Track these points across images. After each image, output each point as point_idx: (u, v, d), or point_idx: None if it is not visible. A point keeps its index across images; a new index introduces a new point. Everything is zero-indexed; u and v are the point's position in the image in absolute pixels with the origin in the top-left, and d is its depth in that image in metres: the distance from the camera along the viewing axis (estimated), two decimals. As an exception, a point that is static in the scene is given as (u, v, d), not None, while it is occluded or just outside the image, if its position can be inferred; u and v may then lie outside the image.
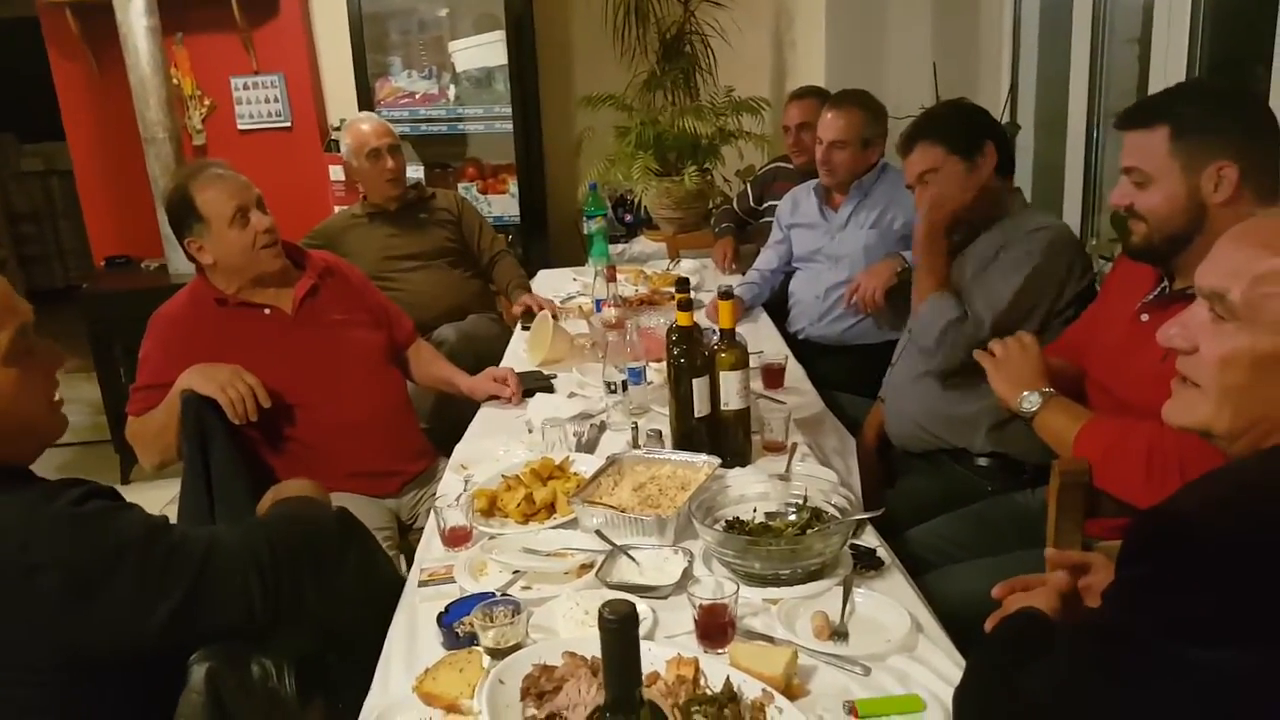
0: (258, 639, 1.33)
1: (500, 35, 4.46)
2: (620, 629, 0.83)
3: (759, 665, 1.29)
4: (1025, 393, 1.78)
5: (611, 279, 2.88)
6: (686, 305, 1.91)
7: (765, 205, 3.84)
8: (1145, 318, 1.75)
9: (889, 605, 1.46)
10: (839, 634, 1.40)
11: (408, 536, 2.37)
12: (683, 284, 1.99)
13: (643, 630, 1.40)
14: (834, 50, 3.95)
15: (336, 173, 4.43)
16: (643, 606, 1.45)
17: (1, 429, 1.23)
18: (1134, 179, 1.67)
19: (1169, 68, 2.68)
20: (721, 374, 1.93)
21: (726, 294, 1.95)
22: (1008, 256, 2.18)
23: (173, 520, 2.10)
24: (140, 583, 1.21)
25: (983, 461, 2.28)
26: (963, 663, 1.34)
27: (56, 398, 1.33)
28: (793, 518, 1.64)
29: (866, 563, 1.58)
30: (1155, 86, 2.73)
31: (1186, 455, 1.49)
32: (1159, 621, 0.96)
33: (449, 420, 2.69)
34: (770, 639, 1.39)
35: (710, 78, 4.25)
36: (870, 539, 1.67)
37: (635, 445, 2.03)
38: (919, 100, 3.68)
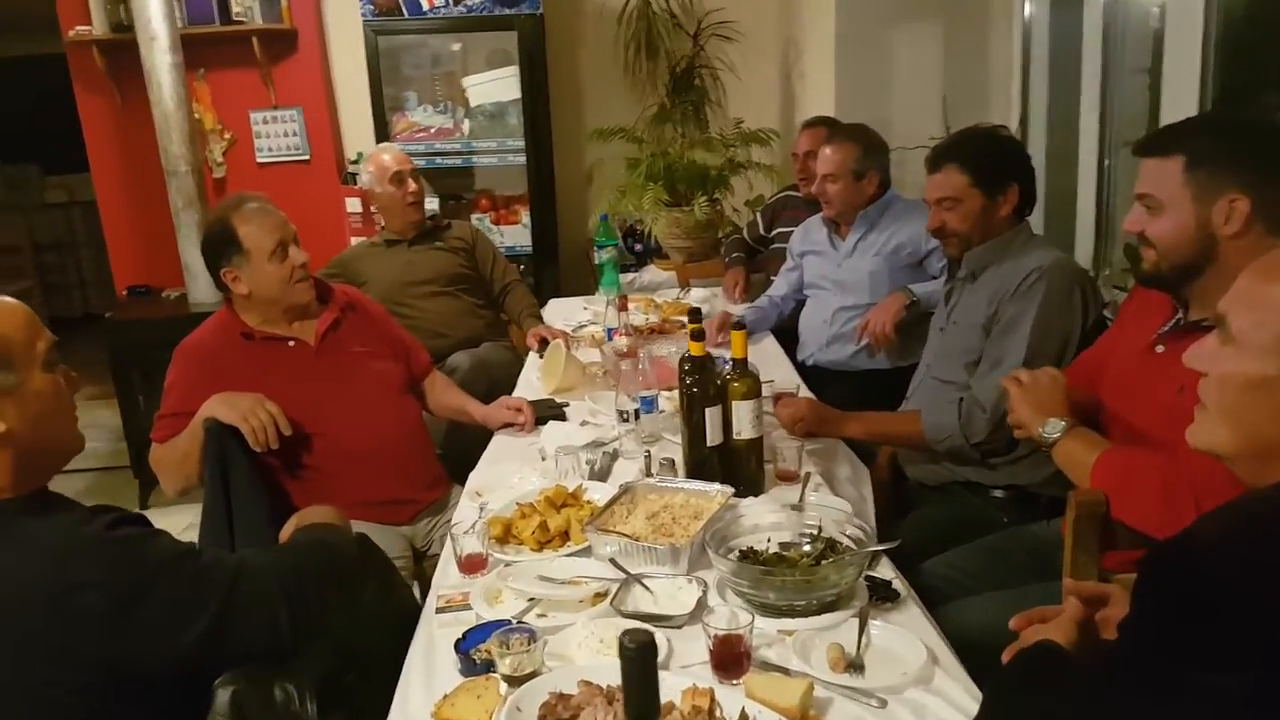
0: (283, 661, 1.35)
1: (514, 70, 4.53)
2: (639, 657, 0.84)
3: (775, 696, 1.29)
4: (1048, 420, 1.78)
5: (623, 308, 2.91)
6: (699, 335, 1.93)
7: (775, 232, 3.87)
8: (1160, 349, 1.74)
9: (905, 637, 1.46)
10: (855, 666, 1.40)
11: (422, 564, 2.38)
12: (695, 314, 2.01)
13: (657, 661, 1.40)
14: (843, 81, 3.99)
15: (353, 204, 4.49)
16: (657, 636, 1.46)
17: (40, 435, 1.27)
18: (1146, 205, 1.67)
19: (1180, 97, 2.69)
20: (734, 403, 1.94)
21: (739, 324, 1.97)
22: (1008, 315, 2.19)
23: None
24: (173, 603, 1.24)
25: (998, 493, 2.27)
26: (979, 696, 1.34)
27: (76, 414, 1.37)
28: (807, 548, 1.64)
29: (882, 594, 1.58)
30: (1166, 116, 2.74)
31: (1202, 487, 1.48)
32: (1174, 652, 0.96)
33: (461, 447, 2.72)
34: (786, 670, 1.39)
35: (720, 110, 4.31)
36: (886, 570, 1.67)
37: (648, 474, 2.04)
38: (928, 131, 3.72)
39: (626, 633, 0.83)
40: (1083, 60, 3.36)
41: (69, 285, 7.08)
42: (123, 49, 4.26)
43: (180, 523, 3.11)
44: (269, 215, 2.33)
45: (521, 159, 4.60)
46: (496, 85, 4.58)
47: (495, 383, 3.05)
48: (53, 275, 7.04)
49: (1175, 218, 1.61)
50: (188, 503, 2.30)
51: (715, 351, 2.36)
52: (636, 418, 2.22)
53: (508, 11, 4.41)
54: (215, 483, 2.13)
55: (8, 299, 1.30)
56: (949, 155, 2.30)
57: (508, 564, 1.71)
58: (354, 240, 4.14)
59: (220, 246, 2.30)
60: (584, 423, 2.44)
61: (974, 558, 2.10)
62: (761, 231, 3.95)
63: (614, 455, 2.22)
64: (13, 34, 5.96)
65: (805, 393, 2.61)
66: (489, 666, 1.39)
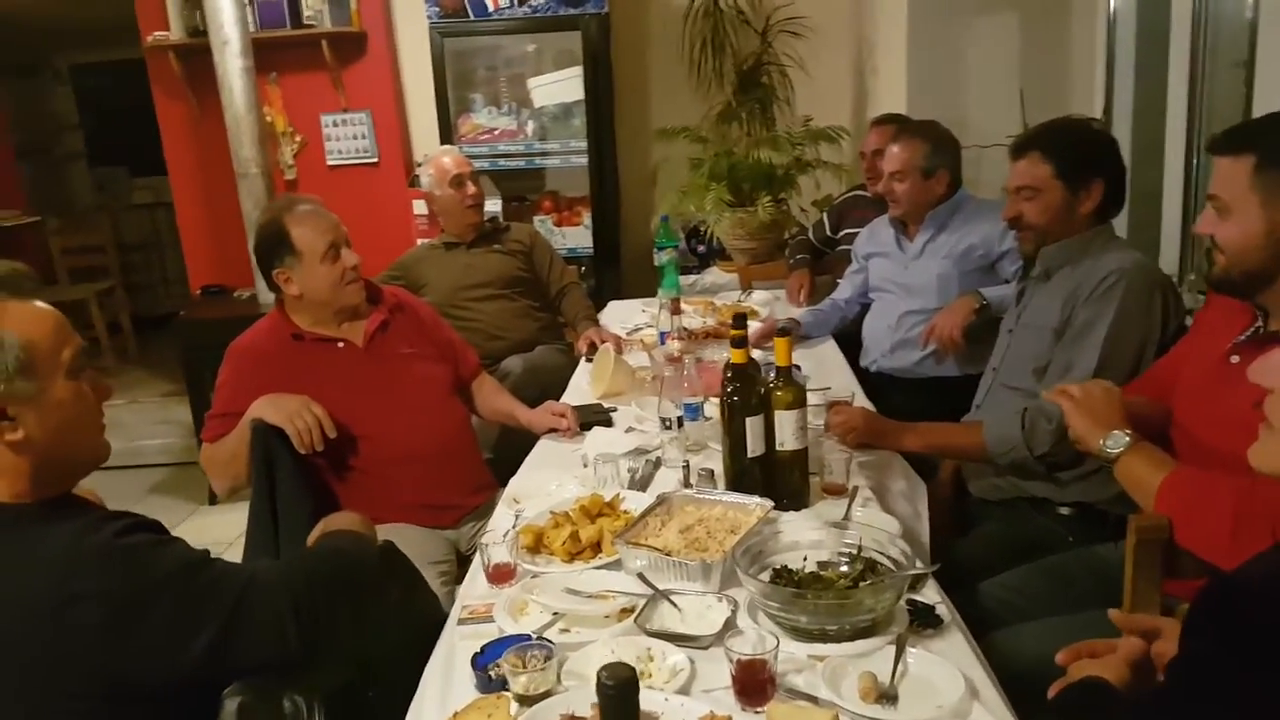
0: (292, 673, 1.32)
1: (578, 71, 4.50)
2: (619, 695, 0.78)
3: (795, 727, 1.22)
4: (1111, 433, 1.66)
5: (676, 311, 2.84)
6: (741, 342, 1.86)
7: (842, 234, 3.77)
8: (1236, 359, 1.63)
9: (944, 667, 1.37)
10: (887, 697, 1.31)
11: (467, 567, 2.36)
12: (739, 320, 1.94)
13: (679, 683, 1.34)
14: (916, 77, 3.87)
15: (420, 207, 4.51)
16: (680, 656, 1.40)
17: (62, 441, 1.27)
18: (1215, 207, 1.57)
19: (1275, 93, 2.52)
20: (777, 413, 1.86)
21: (784, 331, 1.89)
22: (1081, 320, 2.08)
23: (242, 545, 2.20)
24: (178, 615, 1.22)
25: (1065, 510, 2.16)
26: (1021, 733, 1.26)
27: (103, 423, 1.36)
28: (845, 569, 1.56)
29: (924, 620, 1.49)
30: (1261, 112, 2.57)
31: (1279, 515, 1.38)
32: (1222, 698, 0.87)
33: (513, 451, 2.68)
34: (813, 699, 1.32)
35: (787, 107, 4.21)
36: (931, 594, 1.57)
37: (686, 484, 1.97)
38: (1005, 129, 3.56)
39: (605, 668, 0.78)
40: (1170, 53, 3.18)
41: (153, 284, 7.33)
42: (198, 54, 4.36)
43: (243, 522, 3.16)
44: (321, 217, 2.34)
45: (585, 160, 4.57)
46: (561, 86, 4.56)
47: (547, 387, 3.02)
48: (137, 274, 7.29)
49: (1242, 222, 1.50)
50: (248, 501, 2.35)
51: (763, 358, 2.29)
52: (680, 425, 2.16)
53: (572, 12, 4.39)
54: (261, 483, 2.14)
55: (40, 305, 1.30)
56: (1034, 143, 2.20)
57: (535, 575, 1.67)
58: (420, 242, 4.16)
59: (273, 247, 2.32)
60: (629, 429, 2.39)
61: (1034, 579, 1.99)
62: (828, 232, 3.85)
63: (656, 464, 2.16)
64: (105, 40, 6.18)
65: (861, 401, 2.52)
66: (504, 684, 1.35)
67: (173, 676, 1.22)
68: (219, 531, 3.91)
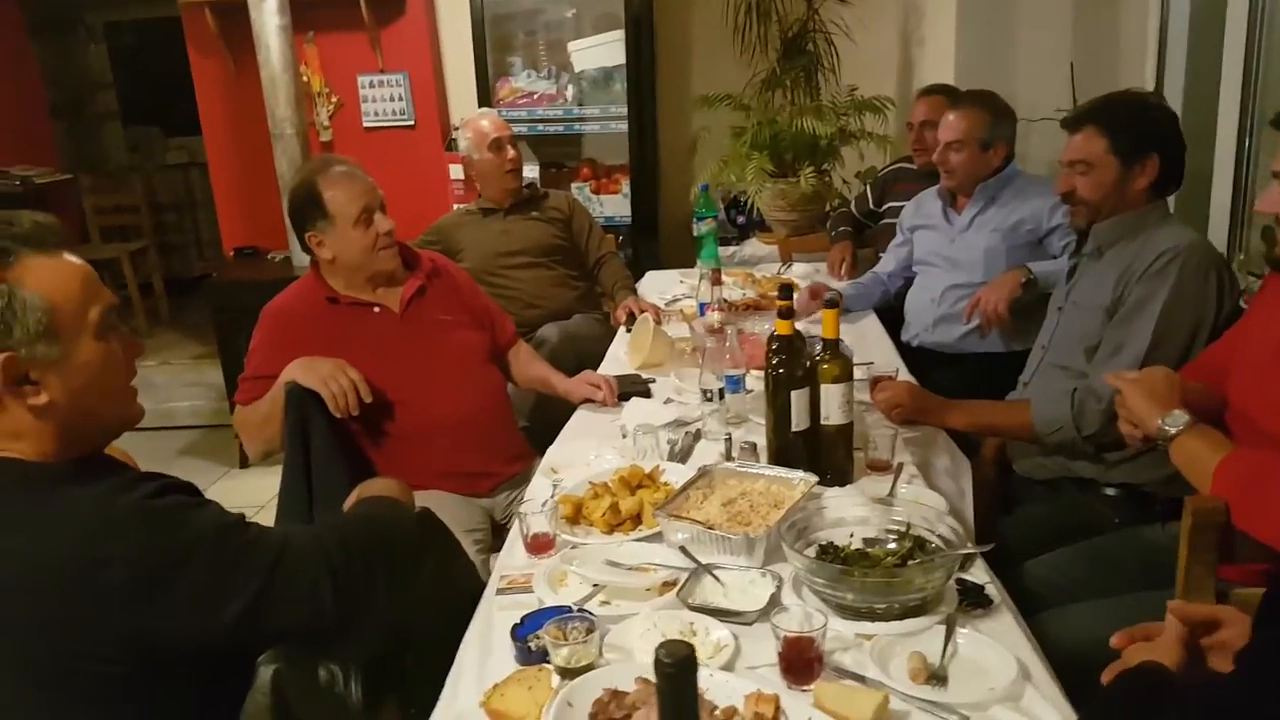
0: (328, 640, 1.31)
1: (619, 35, 4.43)
2: (678, 674, 0.75)
3: (845, 709, 1.19)
4: (1169, 412, 1.61)
5: (717, 282, 2.80)
6: (788, 313, 1.82)
7: (885, 207, 3.70)
8: (1296, 343, 1.59)
9: (995, 648, 1.33)
10: (937, 678, 1.28)
11: (502, 536, 2.34)
12: (785, 291, 1.90)
13: (723, 659, 1.32)
14: (964, 48, 3.78)
15: (456, 171, 4.46)
16: (724, 632, 1.38)
17: (88, 403, 1.23)
18: None
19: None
20: (823, 386, 1.83)
21: (830, 302, 1.85)
22: (1134, 298, 2.03)
23: (274, 510, 2.19)
24: (210, 580, 1.20)
25: (1110, 491, 2.12)
26: (1073, 718, 1.22)
27: (133, 383, 1.33)
28: (892, 546, 1.53)
29: (973, 600, 1.46)
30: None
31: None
32: None
33: (549, 420, 2.66)
34: (861, 678, 1.29)
35: (833, 76, 4.12)
36: (980, 574, 1.54)
37: (728, 458, 1.94)
38: (1054, 102, 3.49)
39: (663, 646, 0.74)
40: (1226, 28, 3.07)
41: (186, 245, 7.33)
42: (234, 11, 4.32)
43: (275, 484, 3.16)
44: (355, 180, 2.30)
45: (624, 126, 4.50)
46: (602, 50, 4.49)
47: (584, 356, 2.99)
48: (171, 235, 7.29)
49: None
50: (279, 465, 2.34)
51: (807, 330, 2.25)
52: (721, 397, 2.12)
53: (615, -26, 4.32)
54: (295, 447, 2.12)
55: (67, 259, 1.24)
56: (1090, 116, 2.13)
57: (574, 546, 1.65)
58: (456, 207, 4.13)
59: (305, 210, 2.29)
60: (668, 400, 2.36)
61: (1080, 561, 1.96)
62: (871, 206, 3.79)
63: (696, 436, 2.13)
64: (139, -3, 6.17)
65: (905, 376, 2.47)
66: (544, 655, 1.33)
67: (205, 642, 1.19)
68: (250, 494, 3.93)
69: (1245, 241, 3.05)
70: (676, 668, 0.75)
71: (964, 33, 3.77)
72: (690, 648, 0.75)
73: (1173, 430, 1.60)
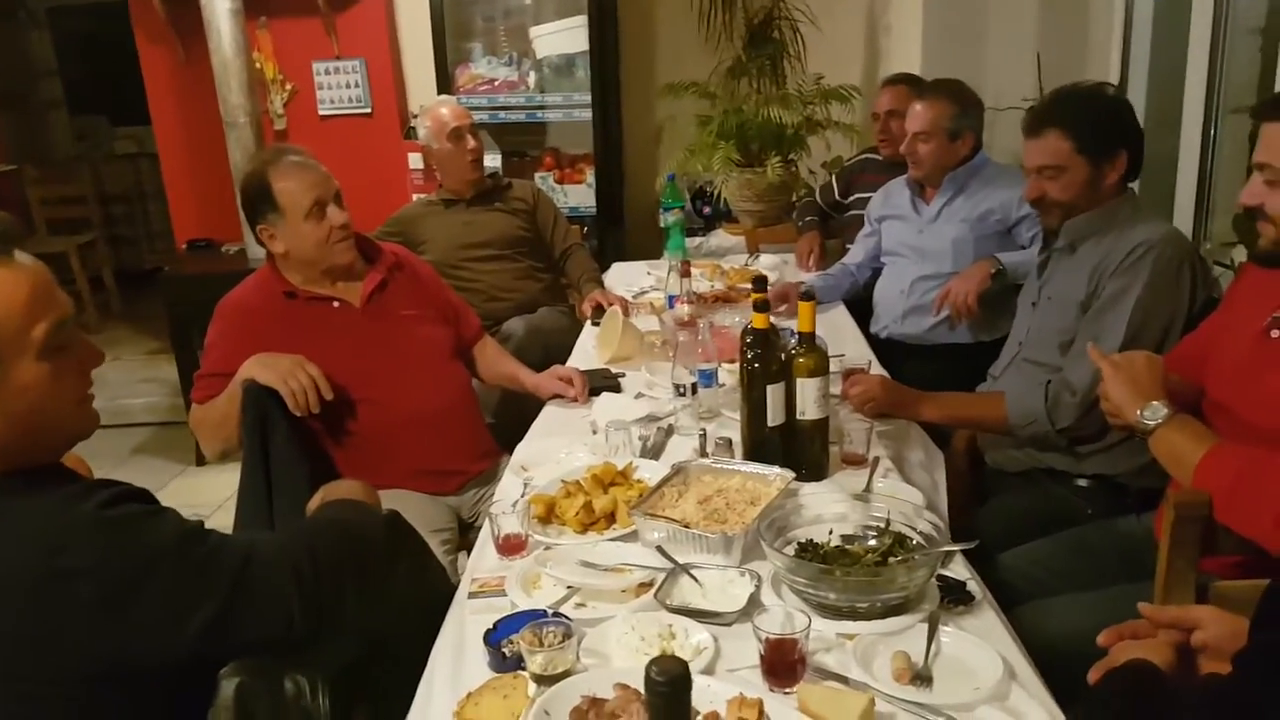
0: (295, 651, 1.25)
1: (582, 20, 4.35)
2: (671, 693, 0.71)
3: (830, 712, 1.16)
4: (1149, 403, 1.59)
5: (685, 274, 2.76)
6: (763, 305, 1.78)
7: (852, 198, 3.68)
8: (1276, 334, 1.58)
9: (979, 647, 1.31)
10: (922, 678, 1.25)
11: (469, 535, 2.30)
12: (760, 283, 1.86)
13: (703, 662, 1.28)
14: (931, 36, 3.77)
15: (416, 160, 4.37)
16: (704, 634, 1.34)
17: (29, 425, 1.16)
18: (1266, 177, 1.50)
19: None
20: (799, 380, 1.79)
21: (808, 294, 1.82)
22: (1108, 292, 2.01)
23: (232, 510, 2.12)
24: (174, 591, 1.13)
25: (1083, 482, 2.11)
26: (1061, 717, 1.20)
27: (89, 393, 1.25)
28: (873, 543, 1.50)
29: (955, 597, 1.43)
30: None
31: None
32: None
33: (514, 415, 2.62)
34: (844, 680, 1.26)
35: (799, 64, 4.08)
36: (960, 569, 1.52)
37: (703, 454, 1.90)
38: (1021, 91, 3.49)
39: (654, 662, 0.70)
40: (1192, 17, 3.09)
41: (137, 238, 7.13)
42: (184, -4, 4.19)
43: (233, 482, 3.08)
44: (308, 171, 2.21)
45: (588, 114, 4.42)
46: (564, 36, 4.40)
47: (550, 350, 2.94)
48: (121, 227, 7.09)
49: None
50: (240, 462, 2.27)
51: (781, 323, 2.22)
52: (694, 392, 2.08)
53: (576, -43, 4.25)
54: (253, 447, 2.05)
55: (17, 266, 1.15)
56: (1051, 118, 2.09)
57: (548, 547, 1.60)
58: (416, 198, 4.05)
59: (256, 203, 2.21)
60: (639, 395, 2.32)
61: (1057, 553, 1.95)
62: (837, 197, 3.76)
63: (668, 431, 2.09)
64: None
65: (878, 369, 2.45)
66: (519, 662, 1.28)
67: (169, 655, 1.13)
68: (207, 494, 3.83)
69: (1210, 229, 3.07)
70: (670, 686, 0.71)
71: (930, 21, 3.76)
72: (684, 665, 0.71)
73: (1152, 423, 1.58)
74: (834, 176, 3.82)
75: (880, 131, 3.51)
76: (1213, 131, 3.06)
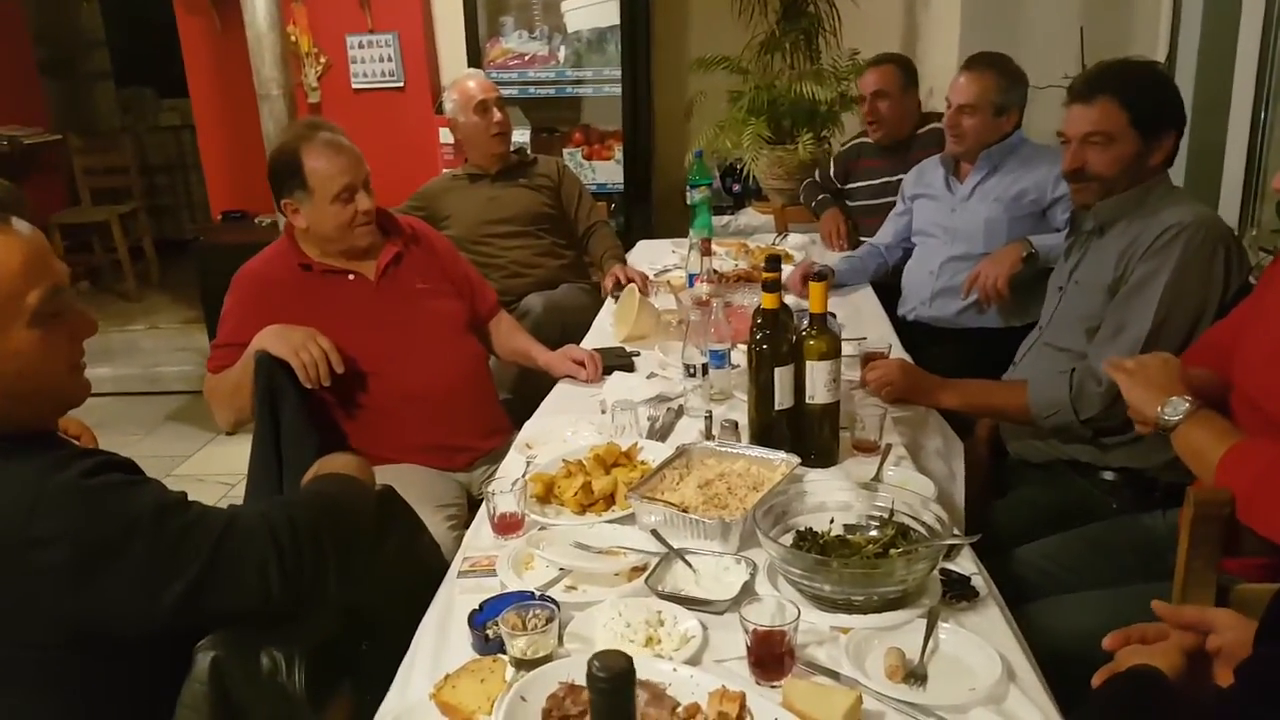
0: (276, 624, 1.24)
1: (615, -7, 4.30)
2: (611, 690, 0.67)
3: (815, 709, 1.12)
4: (1170, 399, 1.53)
5: (706, 252, 2.71)
6: (773, 286, 1.73)
7: (850, 186, 3.60)
8: (1310, 324, 1.50)
9: (978, 646, 1.26)
10: (915, 676, 1.21)
11: (478, 511, 2.28)
12: (773, 262, 1.81)
13: (689, 651, 1.25)
14: (970, 10, 3.66)
15: (446, 135, 4.35)
16: (692, 622, 1.31)
17: (18, 391, 1.16)
18: None
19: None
20: (809, 363, 1.74)
21: (819, 275, 1.76)
22: (1136, 276, 1.94)
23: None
24: (151, 560, 1.13)
25: (1109, 475, 2.04)
26: (1059, 721, 1.15)
27: (81, 363, 1.25)
28: (874, 533, 1.45)
29: (958, 592, 1.38)
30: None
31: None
32: None
33: (533, 391, 2.58)
34: (835, 675, 1.22)
35: (833, 39, 3.99)
36: (966, 563, 1.46)
37: (708, 436, 1.86)
38: (1063, 68, 3.37)
39: (598, 656, 0.67)
40: (1245, -2, 2.97)
41: (178, 208, 7.23)
42: (221, -32, 4.21)
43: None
44: (341, 154, 2.19)
45: (618, 90, 4.37)
46: (596, 10, 4.35)
47: (569, 326, 2.90)
48: (163, 198, 7.20)
49: None
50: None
51: (796, 304, 2.16)
52: (704, 373, 2.04)
53: (609, -70, 4.18)
54: (264, 418, 2.06)
55: (12, 233, 1.15)
56: (1106, 85, 1.99)
57: (543, 528, 1.57)
58: (443, 172, 4.03)
59: (285, 177, 2.20)
60: (651, 375, 2.28)
61: (1074, 549, 1.89)
62: (838, 185, 3.67)
63: (679, 412, 2.05)
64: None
65: (899, 353, 2.38)
66: (502, 645, 1.26)
67: (145, 625, 1.13)
68: (237, 462, 3.84)
69: (1258, 216, 2.96)
70: (611, 682, 0.67)
71: (970, -6, 3.65)
72: (628, 660, 0.68)
73: (1174, 419, 1.52)
74: (832, 161, 3.74)
75: (869, 113, 3.42)
76: (1264, 114, 2.94)
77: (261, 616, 1.20)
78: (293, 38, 4.45)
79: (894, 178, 3.29)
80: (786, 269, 2.70)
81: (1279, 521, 1.36)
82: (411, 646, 1.33)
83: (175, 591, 1.13)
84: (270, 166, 2.28)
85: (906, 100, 3.39)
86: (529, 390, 2.67)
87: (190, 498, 1.22)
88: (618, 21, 4.31)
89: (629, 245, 3.65)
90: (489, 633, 1.28)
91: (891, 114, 3.37)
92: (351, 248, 2.26)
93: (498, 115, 3.32)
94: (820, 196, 3.67)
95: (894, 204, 3.18)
